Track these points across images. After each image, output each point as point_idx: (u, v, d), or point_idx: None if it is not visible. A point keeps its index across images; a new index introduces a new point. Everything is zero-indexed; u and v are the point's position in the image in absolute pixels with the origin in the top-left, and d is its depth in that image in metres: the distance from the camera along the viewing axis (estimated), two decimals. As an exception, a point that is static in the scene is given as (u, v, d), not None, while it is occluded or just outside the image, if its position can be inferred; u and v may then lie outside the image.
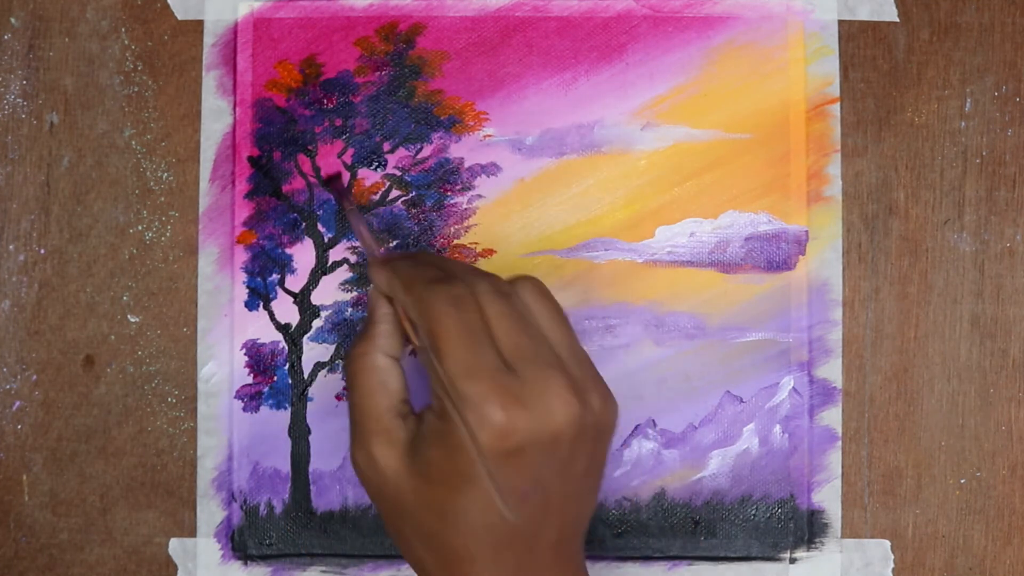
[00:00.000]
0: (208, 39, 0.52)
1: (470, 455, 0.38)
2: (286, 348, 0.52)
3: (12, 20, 0.53)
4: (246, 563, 0.52)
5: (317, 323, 0.52)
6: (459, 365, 0.39)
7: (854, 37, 0.52)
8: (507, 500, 0.39)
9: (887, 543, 0.51)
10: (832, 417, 0.51)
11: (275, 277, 0.52)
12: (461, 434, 0.38)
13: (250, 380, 0.52)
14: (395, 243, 0.52)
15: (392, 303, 0.43)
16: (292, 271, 0.52)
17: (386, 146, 0.52)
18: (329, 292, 0.52)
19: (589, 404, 0.40)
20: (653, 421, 0.51)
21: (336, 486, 0.52)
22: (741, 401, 0.51)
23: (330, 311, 0.52)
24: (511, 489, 0.39)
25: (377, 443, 0.41)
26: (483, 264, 0.52)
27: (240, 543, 0.52)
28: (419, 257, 0.44)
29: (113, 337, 0.52)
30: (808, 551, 0.51)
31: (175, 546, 0.52)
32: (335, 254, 0.52)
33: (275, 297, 0.52)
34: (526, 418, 0.38)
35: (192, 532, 0.52)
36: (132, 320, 0.52)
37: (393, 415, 0.41)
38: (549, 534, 0.41)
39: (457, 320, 0.39)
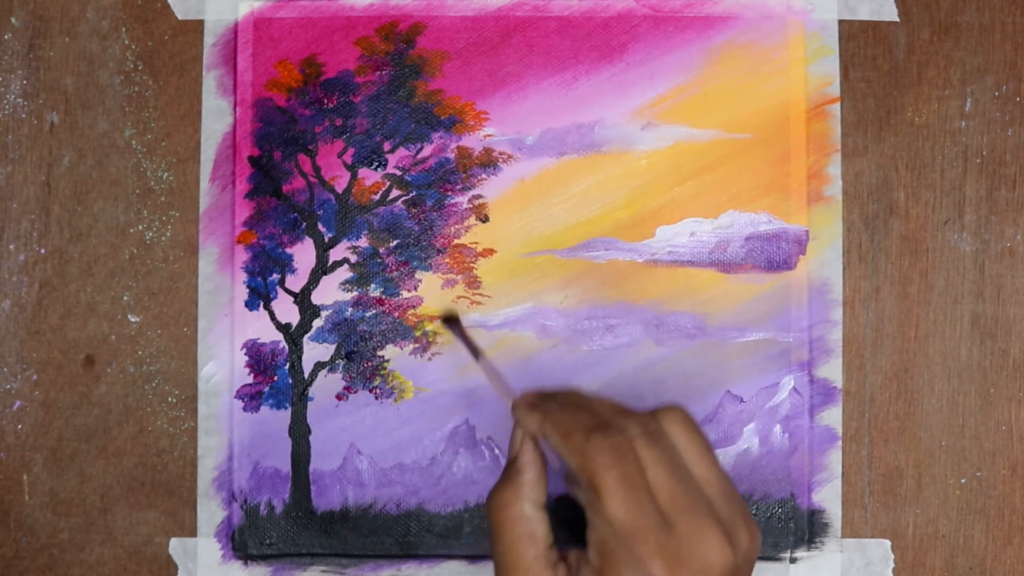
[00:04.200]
0: (208, 39, 0.52)
1: None
2: (286, 348, 0.52)
3: (12, 20, 0.53)
4: (246, 563, 0.52)
5: (317, 323, 0.52)
6: (623, 523, 0.39)
7: (854, 37, 0.52)
8: None
9: (887, 543, 0.51)
10: (832, 417, 0.51)
11: (275, 277, 0.52)
12: None
13: (250, 380, 0.52)
14: (395, 243, 0.52)
15: (537, 446, 0.43)
16: (292, 271, 0.52)
17: (386, 146, 0.52)
18: (329, 292, 0.52)
19: (739, 545, 0.40)
20: (653, 421, 0.51)
21: (336, 486, 0.52)
22: (741, 401, 0.51)
23: (330, 311, 0.52)
24: None
25: None
26: (483, 263, 0.52)
27: (240, 543, 0.52)
28: (565, 398, 0.44)
29: (113, 337, 0.52)
30: (808, 551, 0.51)
31: (175, 546, 0.52)
32: (335, 254, 0.52)
33: (275, 297, 0.52)
34: (686, 575, 0.39)
35: (192, 532, 0.52)
36: (132, 320, 0.52)
37: (542, 565, 0.41)
38: None
39: (619, 474, 0.39)
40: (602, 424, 0.40)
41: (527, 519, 0.42)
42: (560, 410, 0.42)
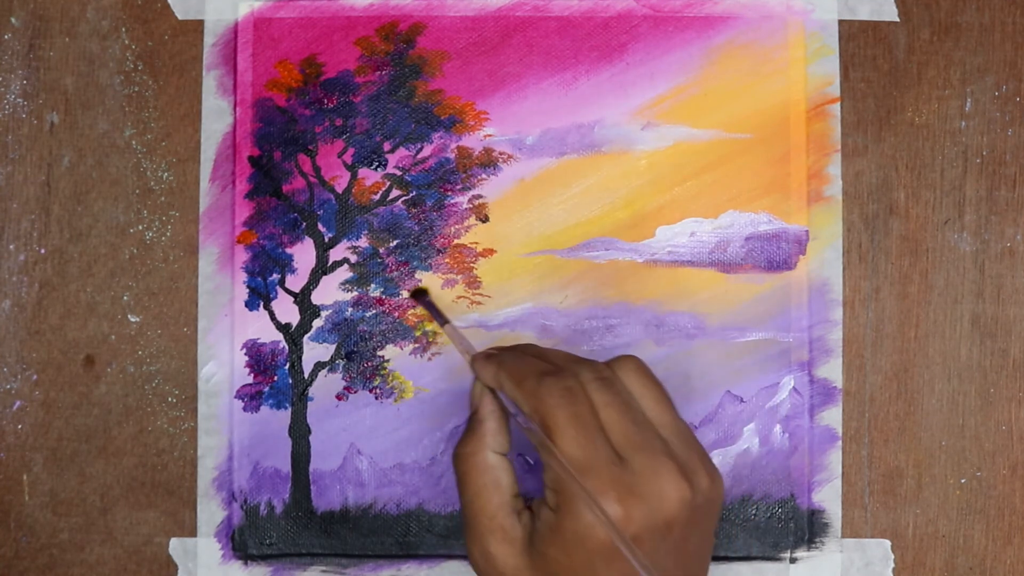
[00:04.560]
0: (208, 39, 0.52)
1: (586, 549, 0.39)
2: (286, 348, 0.52)
3: (12, 20, 0.53)
4: (246, 563, 0.52)
5: (317, 323, 0.52)
6: (575, 459, 0.39)
7: (854, 37, 0.52)
8: None
9: (887, 543, 0.51)
10: (832, 417, 0.51)
11: (275, 277, 0.52)
12: (577, 527, 0.39)
13: (250, 380, 0.52)
14: (395, 243, 0.52)
15: (496, 397, 0.43)
16: (292, 271, 0.52)
17: (386, 146, 0.52)
18: (329, 292, 0.52)
19: (698, 485, 0.41)
20: (653, 421, 0.51)
21: (336, 486, 0.52)
22: (741, 401, 0.51)
23: (330, 311, 0.52)
24: (629, 574, 0.40)
25: (493, 541, 0.42)
26: (483, 263, 0.52)
27: (240, 543, 0.52)
28: (520, 349, 0.45)
29: (113, 337, 0.52)
30: (808, 551, 0.51)
31: (175, 546, 0.52)
32: (335, 254, 0.52)
33: (275, 297, 0.52)
34: (641, 508, 0.39)
35: (192, 532, 0.52)
36: (132, 320, 0.52)
37: (507, 512, 0.42)
38: None
39: (570, 413, 0.40)
40: (555, 369, 0.41)
41: (490, 467, 0.43)
42: (514, 359, 0.43)
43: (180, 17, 0.53)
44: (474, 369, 0.44)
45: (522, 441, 0.50)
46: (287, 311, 0.52)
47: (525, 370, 0.42)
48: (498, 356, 0.44)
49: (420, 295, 0.52)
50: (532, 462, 0.51)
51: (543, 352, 0.44)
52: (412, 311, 0.52)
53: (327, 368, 0.52)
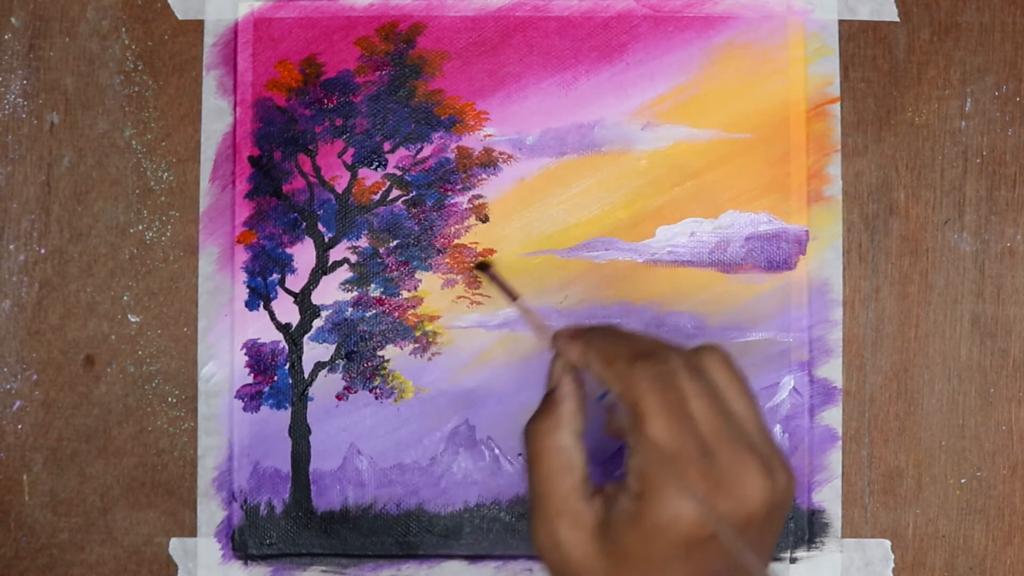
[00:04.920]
0: (208, 39, 0.52)
1: (667, 540, 0.38)
2: (286, 348, 0.52)
3: (12, 20, 0.53)
4: (246, 563, 0.52)
5: (317, 323, 0.52)
6: (666, 447, 0.38)
7: (854, 37, 0.52)
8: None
9: (887, 543, 0.51)
10: (832, 417, 0.51)
11: (275, 277, 0.52)
12: (661, 516, 0.38)
13: (250, 380, 0.52)
14: (395, 243, 0.52)
15: (577, 377, 0.42)
16: (292, 271, 0.52)
17: (386, 146, 0.52)
18: (329, 292, 0.52)
19: (777, 483, 0.40)
20: (653, 421, 0.51)
21: (336, 486, 0.52)
22: (741, 401, 0.51)
23: (330, 311, 0.52)
24: (704, 569, 0.39)
25: (563, 525, 0.40)
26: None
27: (240, 543, 0.52)
28: (605, 330, 0.43)
29: (113, 337, 0.52)
30: (808, 551, 0.51)
31: (175, 546, 0.52)
32: (335, 254, 0.52)
33: (275, 297, 0.52)
34: (727, 503, 0.38)
35: (192, 532, 0.52)
36: (132, 320, 0.52)
37: (579, 496, 0.41)
38: None
39: (663, 399, 0.39)
40: (646, 352, 0.40)
41: (565, 449, 0.41)
42: (603, 338, 0.42)
43: (180, 17, 0.53)
44: (557, 346, 0.43)
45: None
46: (287, 311, 0.52)
47: (615, 351, 0.41)
48: (585, 334, 0.42)
49: (485, 268, 0.51)
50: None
51: (629, 334, 0.42)
52: (412, 311, 0.52)
53: (327, 368, 0.52)
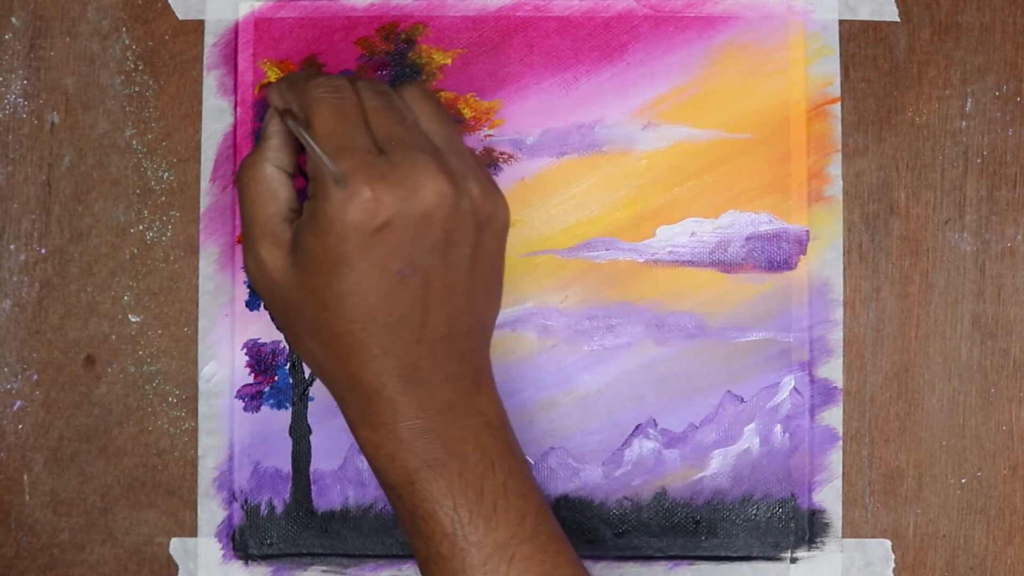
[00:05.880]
0: (209, 39, 0.52)
1: (336, 233, 0.39)
2: (287, 348, 0.52)
3: (13, 20, 0.53)
4: (247, 563, 0.52)
5: (318, 323, 0.52)
6: (330, 143, 0.40)
7: (855, 37, 0.52)
8: (383, 278, 0.40)
9: (888, 543, 0.51)
10: (833, 417, 0.51)
11: (276, 277, 0.52)
12: (327, 209, 0.40)
13: (251, 380, 0.52)
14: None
15: (281, 118, 0.44)
16: (293, 271, 0.52)
17: (387, 146, 0.52)
18: (330, 292, 0.52)
19: (465, 190, 0.41)
20: (654, 421, 0.51)
21: (337, 486, 0.52)
22: (742, 401, 0.51)
23: (331, 311, 0.52)
24: (385, 267, 0.40)
25: (264, 246, 0.42)
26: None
27: (241, 543, 0.52)
28: (306, 72, 0.46)
29: (114, 337, 0.52)
30: (809, 551, 0.51)
31: (176, 546, 0.52)
32: (336, 254, 0.52)
33: (276, 297, 0.52)
34: (393, 193, 0.40)
35: (193, 532, 0.52)
36: (133, 320, 0.52)
37: (279, 220, 0.43)
38: (436, 324, 0.42)
39: (332, 103, 0.41)
40: (331, 76, 0.43)
41: (267, 179, 0.43)
42: (297, 73, 0.45)
43: (180, 17, 0.53)
44: (267, 95, 0.45)
45: None
46: (288, 311, 0.52)
47: (301, 75, 0.43)
48: (285, 78, 0.44)
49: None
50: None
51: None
52: None
53: (328, 368, 0.52)
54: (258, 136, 0.45)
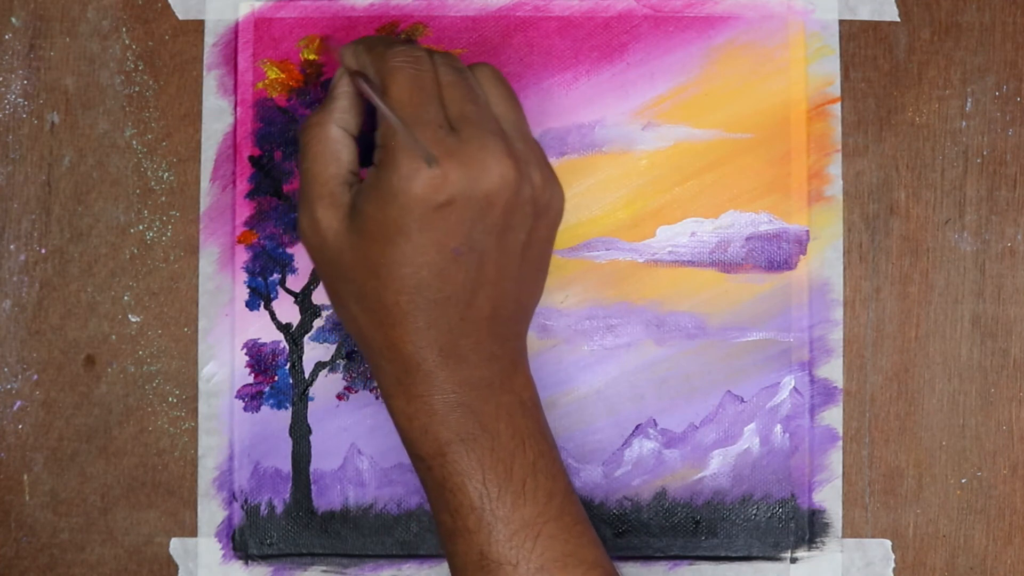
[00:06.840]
0: (209, 39, 0.52)
1: (399, 204, 0.39)
2: (287, 348, 0.52)
3: (13, 20, 0.53)
4: (247, 563, 0.52)
5: (318, 323, 0.52)
6: (404, 112, 0.40)
7: (855, 37, 0.52)
8: (439, 254, 0.40)
9: (888, 543, 0.51)
10: (833, 417, 0.51)
11: (276, 277, 0.52)
12: (393, 179, 0.39)
13: (251, 380, 0.52)
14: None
15: (353, 79, 0.43)
16: (293, 271, 0.52)
17: (387, 146, 0.52)
18: (330, 292, 0.52)
19: (528, 176, 0.41)
20: (654, 421, 0.51)
21: (337, 486, 0.52)
22: (742, 401, 0.51)
23: (331, 311, 0.52)
24: (442, 244, 0.40)
25: (321, 206, 0.42)
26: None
27: (241, 543, 0.52)
28: (383, 37, 0.45)
29: (114, 337, 0.52)
30: (809, 551, 0.51)
31: (176, 546, 0.52)
32: (336, 254, 0.52)
33: (276, 297, 0.52)
34: (459, 172, 0.39)
35: (193, 532, 0.52)
36: (133, 320, 0.52)
37: (339, 182, 0.42)
38: (483, 305, 0.42)
39: (410, 74, 0.41)
40: (411, 45, 0.42)
41: (332, 139, 0.43)
42: (376, 38, 0.44)
43: (180, 17, 0.53)
44: (337, 56, 0.44)
45: None
46: (288, 311, 0.52)
47: (381, 41, 0.43)
48: (362, 41, 0.44)
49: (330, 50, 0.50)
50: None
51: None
52: None
53: (328, 368, 0.52)
54: (326, 95, 0.44)
